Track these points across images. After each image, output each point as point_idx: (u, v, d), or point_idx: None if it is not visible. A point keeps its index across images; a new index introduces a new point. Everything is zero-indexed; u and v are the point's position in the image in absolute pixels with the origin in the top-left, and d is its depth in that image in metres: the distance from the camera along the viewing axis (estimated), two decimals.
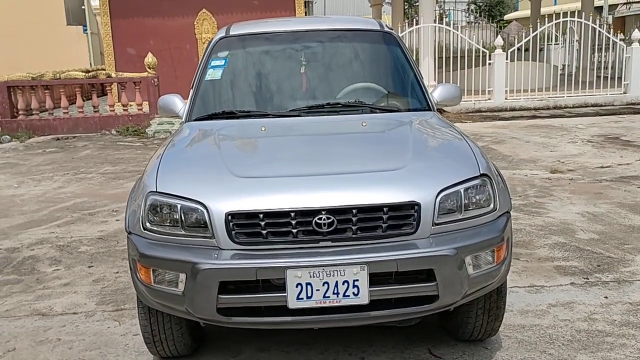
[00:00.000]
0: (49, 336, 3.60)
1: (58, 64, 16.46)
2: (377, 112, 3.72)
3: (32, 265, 4.82)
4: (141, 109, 12.42)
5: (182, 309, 2.70)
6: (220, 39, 4.10)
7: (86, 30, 21.93)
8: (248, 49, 4.10)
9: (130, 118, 12.27)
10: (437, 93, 3.94)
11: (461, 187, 2.77)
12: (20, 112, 12.29)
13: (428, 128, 3.51)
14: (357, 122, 3.54)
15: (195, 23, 14.52)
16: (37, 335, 3.61)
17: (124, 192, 7.16)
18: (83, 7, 23.05)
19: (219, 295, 2.59)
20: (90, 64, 21.32)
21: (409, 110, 3.80)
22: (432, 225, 2.67)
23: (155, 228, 2.76)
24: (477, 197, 2.81)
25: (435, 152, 3.22)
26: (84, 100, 12.75)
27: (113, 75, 12.98)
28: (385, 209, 2.64)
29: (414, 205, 2.66)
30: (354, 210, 2.63)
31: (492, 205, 2.83)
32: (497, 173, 3.05)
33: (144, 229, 2.78)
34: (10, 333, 3.66)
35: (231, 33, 4.13)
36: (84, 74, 13.27)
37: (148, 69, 12.35)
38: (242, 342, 3.39)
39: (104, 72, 13.36)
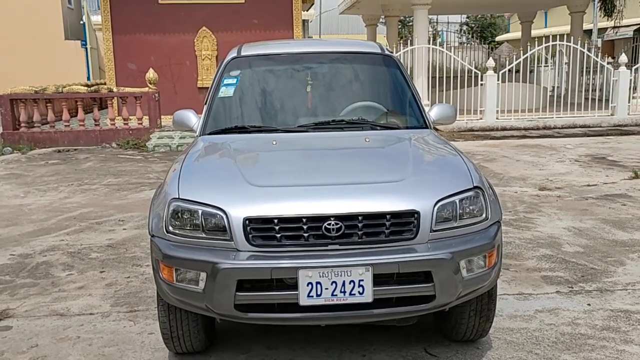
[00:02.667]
0: (69, 334, 3.83)
1: (55, 78, 16.68)
2: (378, 129, 4.01)
3: (46, 270, 5.05)
4: (141, 123, 12.70)
5: (202, 305, 2.95)
6: (233, 59, 4.38)
7: (85, 44, 22.22)
8: (258, 68, 4.39)
9: (131, 132, 12.54)
10: (433, 112, 4.25)
11: (456, 198, 3.05)
12: (22, 125, 12.55)
13: (425, 144, 3.80)
14: (360, 138, 3.83)
15: (195, 40, 14.83)
16: (57, 333, 3.84)
17: (129, 202, 7.42)
18: (82, 22, 23.40)
19: (237, 293, 2.85)
20: (89, 78, 21.57)
21: (407, 127, 4.10)
22: (430, 232, 2.95)
23: (177, 231, 3.02)
24: (471, 207, 3.09)
25: (433, 166, 3.50)
26: (85, 114, 13.01)
27: (114, 89, 13.24)
28: (388, 217, 2.92)
29: (414, 214, 2.94)
30: (360, 217, 2.91)
31: (484, 215, 3.12)
32: (488, 186, 3.34)
33: (167, 232, 3.04)
34: (31, 331, 3.89)
35: (242, 53, 4.42)
36: (85, 88, 13.52)
37: (149, 84, 12.64)
38: (252, 340, 3.64)
39: (104, 86, 13.60)
